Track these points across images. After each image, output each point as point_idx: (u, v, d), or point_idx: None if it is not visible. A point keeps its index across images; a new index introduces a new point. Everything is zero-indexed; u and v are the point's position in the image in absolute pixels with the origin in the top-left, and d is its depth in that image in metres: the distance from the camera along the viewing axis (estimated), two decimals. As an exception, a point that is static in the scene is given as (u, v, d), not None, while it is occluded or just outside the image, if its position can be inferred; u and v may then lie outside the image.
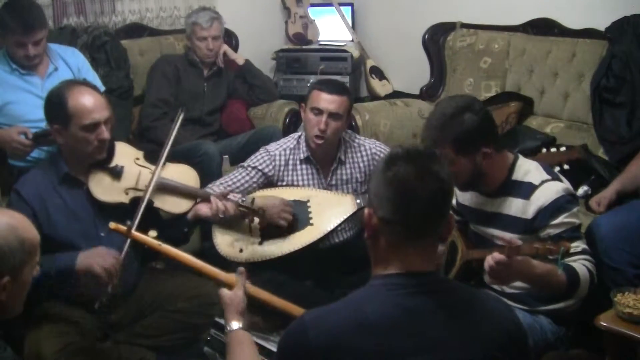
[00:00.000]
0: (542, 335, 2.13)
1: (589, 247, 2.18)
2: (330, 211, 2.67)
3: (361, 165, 2.79)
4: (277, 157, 2.76)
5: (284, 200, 2.62)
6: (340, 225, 2.68)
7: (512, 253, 1.92)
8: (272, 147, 2.79)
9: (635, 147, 2.97)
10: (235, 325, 1.68)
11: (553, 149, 2.77)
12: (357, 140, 2.84)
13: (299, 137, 2.80)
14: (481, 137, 2.07)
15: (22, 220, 1.55)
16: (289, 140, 2.81)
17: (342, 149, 2.78)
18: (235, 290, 1.75)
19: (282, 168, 2.75)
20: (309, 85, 2.85)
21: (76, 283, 2.24)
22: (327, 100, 2.64)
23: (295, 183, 2.75)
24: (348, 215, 2.65)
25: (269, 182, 2.76)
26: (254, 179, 2.73)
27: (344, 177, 2.79)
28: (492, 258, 1.91)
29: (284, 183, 2.76)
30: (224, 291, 1.77)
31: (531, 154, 2.87)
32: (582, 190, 2.88)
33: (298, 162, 2.76)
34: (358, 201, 2.66)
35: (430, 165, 1.39)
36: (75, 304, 2.31)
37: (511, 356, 1.40)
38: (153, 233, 2.13)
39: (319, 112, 2.65)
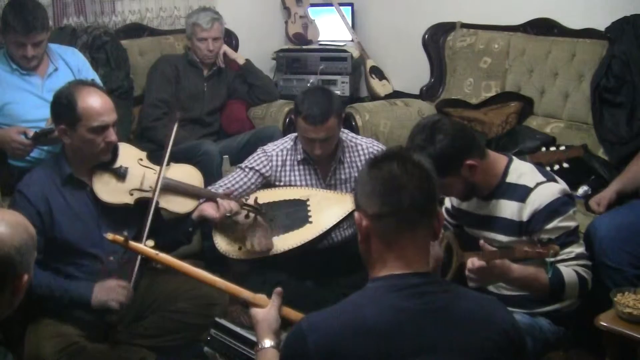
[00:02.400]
0: (542, 336, 2.13)
1: (589, 247, 2.19)
2: (329, 209, 2.69)
3: (359, 164, 2.78)
4: (274, 158, 2.77)
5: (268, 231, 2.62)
6: (339, 223, 2.69)
7: (491, 257, 1.95)
8: (269, 147, 2.80)
9: (635, 147, 2.96)
10: (267, 343, 1.65)
11: (552, 148, 2.76)
12: (353, 140, 2.85)
13: (296, 137, 2.80)
14: (459, 154, 2.05)
15: (24, 217, 1.56)
16: (286, 141, 2.82)
17: (341, 149, 2.78)
18: (269, 309, 1.72)
19: (279, 168, 2.76)
20: (297, 96, 2.72)
21: (88, 311, 2.26)
22: (314, 132, 2.62)
23: (294, 183, 2.77)
24: (347, 212, 2.67)
25: (267, 182, 2.77)
26: (252, 180, 2.75)
27: (343, 176, 2.79)
28: (471, 263, 1.96)
29: (282, 183, 2.77)
30: (256, 309, 1.74)
31: (530, 153, 2.87)
32: (582, 190, 2.89)
33: (295, 162, 2.77)
34: None
35: (411, 157, 1.45)
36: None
37: (510, 357, 1.40)
38: (150, 242, 2.13)
39: (311, 140, 2.65)
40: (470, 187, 2.14)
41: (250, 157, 2.80)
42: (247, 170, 2.76)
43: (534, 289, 2.07)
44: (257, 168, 2.75)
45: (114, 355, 2.30)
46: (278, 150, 2.78)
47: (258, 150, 2.82)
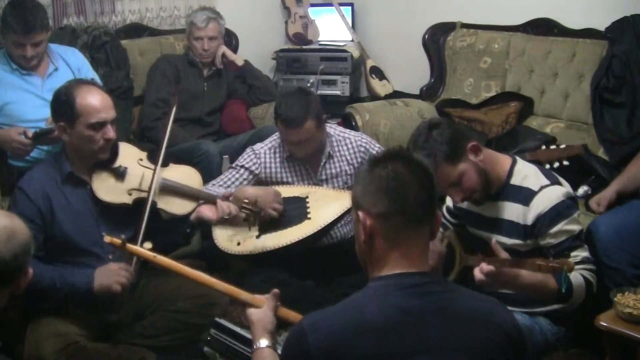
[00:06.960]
0: (542, 336, 2.13)
1: (589, 247, 2.18)
2: (328, 206, 2.71)
3: (349, 158, 2.82)
4: (262, 155, 2.81)
5: (276, 190, 2.67)
6: (338, 219, 2.71)
7: (503, 265, 1.95)
8: (257, 146, 2.85)
9: (635, 147, 2.96)
10: (263, 343, 1.64)
11: (553, 146, 2.75)
12: (342, 134, 2.87)
13: None
14: (459, 137, 2.12)
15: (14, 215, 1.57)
16: (273, 139, 2.86)
17: (329, 144, 2.80)
18: (265, 310, 1.71)
19: (267, 165, 2.81)
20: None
21: (92, 300, 2.27)
22: (291, 134, 2.67)
23: (285, 180, 2.80)
24: (345, 209, 2.69)
25: (259, 180, 2.81)
26: (244, 176, 2.79)
27: (334, 171, 2.81)
28: (479, 270, 1.94)
29: (274, 180, 2.80)
30: (251, 310, 1.73)
31: (530, 151, 2.87)
32: (582, 190, 2.88)
33: (284, 159, 2.80)
34: None
35: (412, 156, 1.48)
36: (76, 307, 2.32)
37: (510, 358, 1.40)
38: (148, 245, 2.13)
39: (289, 142, 2.70)
40: (485, 177, 2.13)
41: (240, 157, 2.86)
42: (237, 168, 2.81)
43: (542, 295, 2.07)
44: (247, 166, 2.80)
45: (114, 355, 2.30)
46: (266, 149, 2.83)
47: (247, 149, 2.87)
